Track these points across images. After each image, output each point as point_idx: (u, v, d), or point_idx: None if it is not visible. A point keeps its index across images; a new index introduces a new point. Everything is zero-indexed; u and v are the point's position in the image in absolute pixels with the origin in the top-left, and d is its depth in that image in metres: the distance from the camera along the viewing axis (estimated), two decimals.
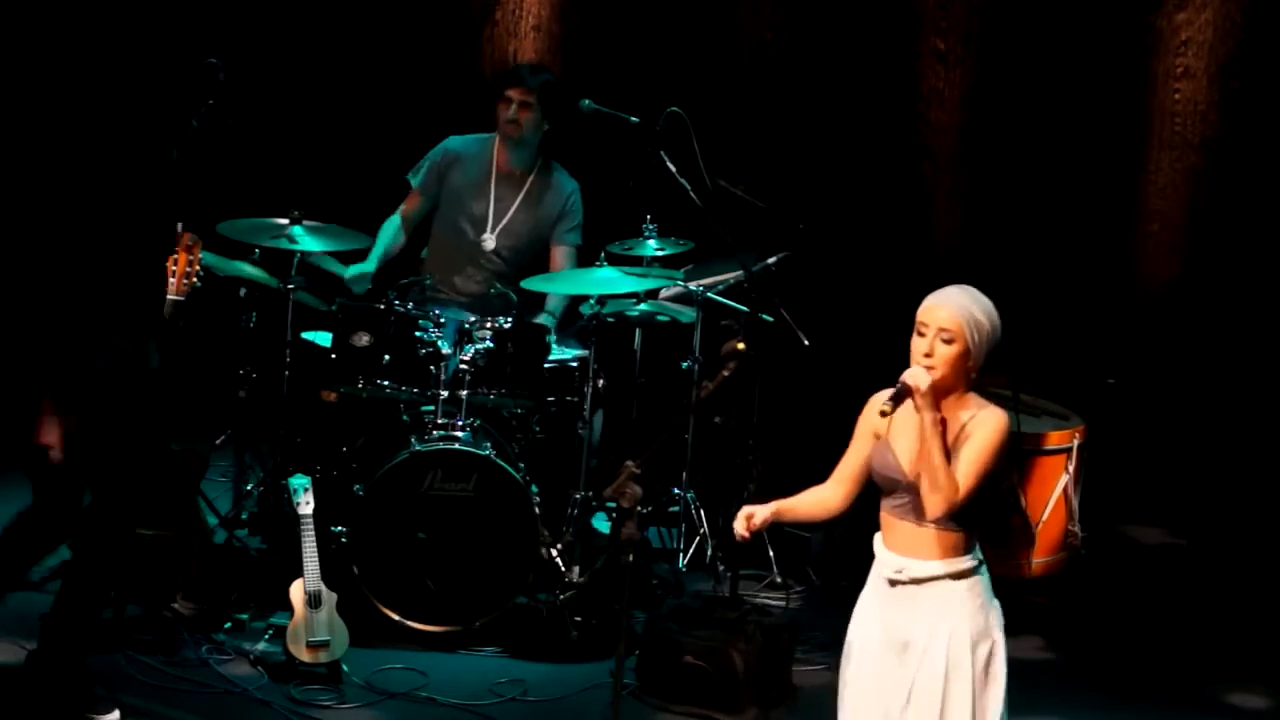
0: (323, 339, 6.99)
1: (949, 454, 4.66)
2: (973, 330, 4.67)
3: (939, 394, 4.70)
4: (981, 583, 4.77)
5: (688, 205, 6.89)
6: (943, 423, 4.69)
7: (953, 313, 4.68)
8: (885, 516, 4.82)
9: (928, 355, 4.68)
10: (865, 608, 4.87)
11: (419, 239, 7.58)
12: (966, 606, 4.73)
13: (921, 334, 4.71)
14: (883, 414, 4.69)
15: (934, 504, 4.65)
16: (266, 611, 6.65)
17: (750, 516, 4.85)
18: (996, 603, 4.81)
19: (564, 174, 7.46)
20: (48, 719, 5.92)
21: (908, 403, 4.71)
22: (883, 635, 4.79)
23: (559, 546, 6.92)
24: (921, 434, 4.66)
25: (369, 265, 7.30)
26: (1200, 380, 8.70)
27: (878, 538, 4.86)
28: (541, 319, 7.21)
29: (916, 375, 4.67)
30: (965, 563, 4.74)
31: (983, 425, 4.69)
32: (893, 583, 4.77)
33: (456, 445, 6.68)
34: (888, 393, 4.74)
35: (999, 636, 4.78)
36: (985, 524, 4.79)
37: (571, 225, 7.40)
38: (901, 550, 4.76)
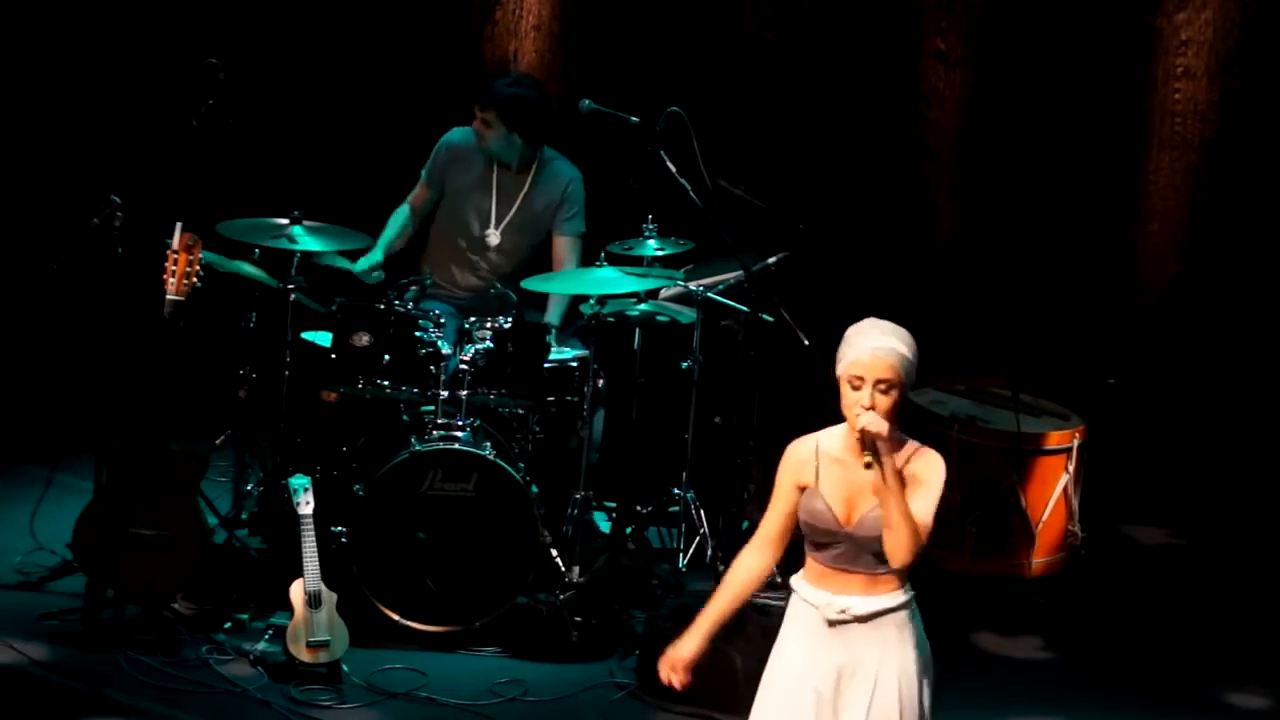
0: (323, 339, 6.99)
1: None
2: (906, 370, 4.60)
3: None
4: (918, 615, 4.73)
5: (688, 205, 6.89)
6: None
7: (888, 361, 4.57)
8: (819, 567, 4.73)
9: (870, 408, 4.57)
10: (790, 647, 4.78)
11: (425, 233, 7.55)
12: (912, 639, 4.70)
13: (857, 387, 4.59)
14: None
15: (902, 552, 4.56)
16: (266, 611, 6.65)
17: (675, 665, 4.86)
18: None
19: (564, 162, 7.42)
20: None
21: (824, 450, 4.67)
22: (818, 672, 4.70)
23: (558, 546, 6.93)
24: (885, 485, 4.54)
25: (377, 254, 7.26)
26: (1200, 380, 8.69)
27: (800, 580, 4.78)
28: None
29: (875, 422, 4.55)
30: (904, 596, 4.69)
31: (929, 468, 4.63)
32: (833, 623, 4.70)
33: (456, 445, 6.67)
34: (810, 441, 4.69)
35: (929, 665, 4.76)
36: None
37: (570, 213, 7.36)
38: (840, 593, 4.69)
